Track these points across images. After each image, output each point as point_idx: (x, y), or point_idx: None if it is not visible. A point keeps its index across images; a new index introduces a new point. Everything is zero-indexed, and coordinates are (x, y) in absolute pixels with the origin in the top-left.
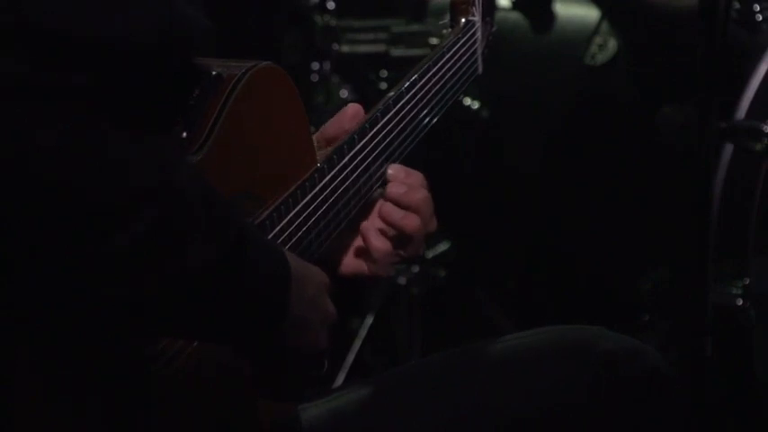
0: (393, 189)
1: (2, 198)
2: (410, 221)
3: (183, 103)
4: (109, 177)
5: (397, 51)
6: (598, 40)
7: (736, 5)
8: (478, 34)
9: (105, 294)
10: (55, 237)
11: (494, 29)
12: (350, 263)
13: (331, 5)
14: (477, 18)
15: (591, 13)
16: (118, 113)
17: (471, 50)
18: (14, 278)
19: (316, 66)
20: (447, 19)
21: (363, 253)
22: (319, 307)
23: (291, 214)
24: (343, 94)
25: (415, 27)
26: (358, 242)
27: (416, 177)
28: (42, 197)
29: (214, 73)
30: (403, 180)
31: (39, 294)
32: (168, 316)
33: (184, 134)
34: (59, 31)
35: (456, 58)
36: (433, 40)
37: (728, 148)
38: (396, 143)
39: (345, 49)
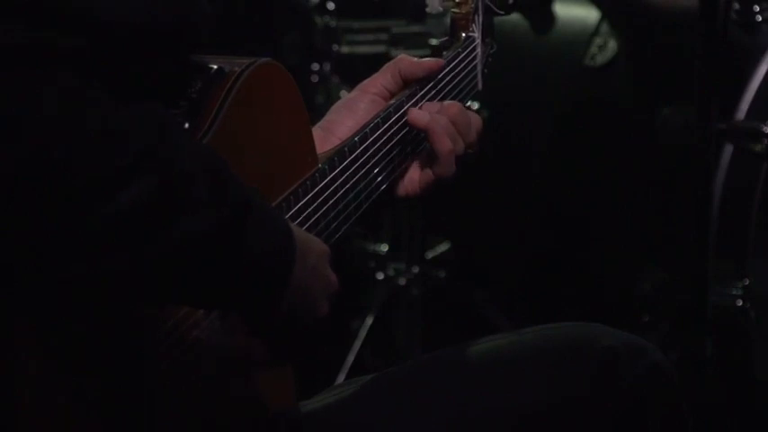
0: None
1: None
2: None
3: (178, 91)
4: (100, 146)
5: (397, 52)
6: (598, 40)
7: (736, 6)
8: (478, 50)
9: (102, 262)
10: (46, 206)
11: (493, 50)
12: (414, 179)
13: (331, 6)
14: (476, 35)
15: (591, 14)
16: (116, 90)
17: (471, 65)
18: (8, 256)
19: (316, 66)
20: (446, 28)
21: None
22: (321, 275)
23: (291, 213)
24: (344, 94)
25: (415, 28)
26: (413, 164)
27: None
28: (31, 164)
29: (215, 67)
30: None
31: (33, 270)
32: (167, 282)
33: (186, 125)
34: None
35: (456, 71)
36: (433, 41)
37: (728, 149)
38: (396, 150)
39: (345, 49)
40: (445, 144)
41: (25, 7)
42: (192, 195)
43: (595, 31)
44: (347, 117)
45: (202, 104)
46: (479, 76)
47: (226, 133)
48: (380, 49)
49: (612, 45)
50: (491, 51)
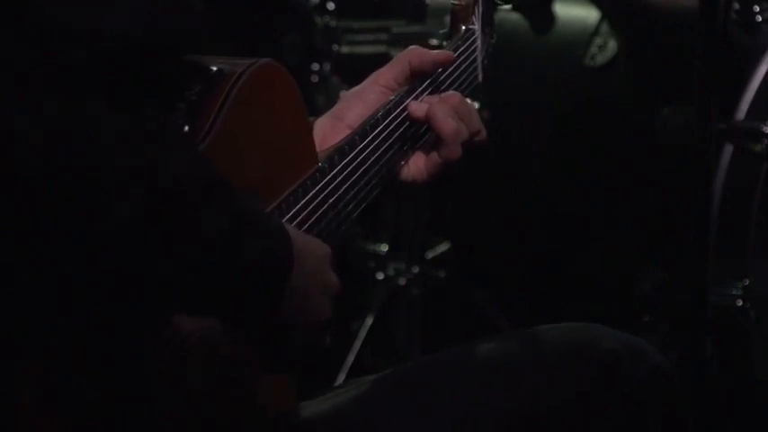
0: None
1: None
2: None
3: (177, 97)
4: (97, 158)
5: (397, 52)
6: (598, 40)
7: (736, 6)
8: (478, 42)
9: (98, 273)
10: (42, 217)
11: (493, 40)
12: (420, 166)
13: (331, 6)
14: (476, 26)
15: (591, 14)
16: (111, 101)
17: (471, 58)
18: (8, 256)
19: (316, 67)
20: (446, 27)
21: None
22: (321, 279)
23: (292, 212)
24: (344, 95)
25: (415, 28)
26: (418, 152)
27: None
28: (29, 177)
29: (215, 69)
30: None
31: (33, 270)
32: (163, 294)
33: (186, 128)
34: (49, 16)
35: (456, 65)
36: (434, 41)
37: (728, 149)
38: (395, 146)
39: (345, 49)
40: (449, 125)
41: (27, 27)
42: (185, 214)
43: (595, 31)
44: (357, 105)
45: (202, 106)
46: (479, 68)
47: (226, 134)
48: (380, 49)
49: (612, 45)
50: (491, 42)
